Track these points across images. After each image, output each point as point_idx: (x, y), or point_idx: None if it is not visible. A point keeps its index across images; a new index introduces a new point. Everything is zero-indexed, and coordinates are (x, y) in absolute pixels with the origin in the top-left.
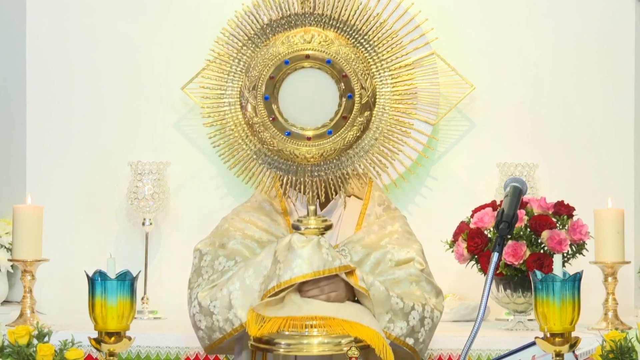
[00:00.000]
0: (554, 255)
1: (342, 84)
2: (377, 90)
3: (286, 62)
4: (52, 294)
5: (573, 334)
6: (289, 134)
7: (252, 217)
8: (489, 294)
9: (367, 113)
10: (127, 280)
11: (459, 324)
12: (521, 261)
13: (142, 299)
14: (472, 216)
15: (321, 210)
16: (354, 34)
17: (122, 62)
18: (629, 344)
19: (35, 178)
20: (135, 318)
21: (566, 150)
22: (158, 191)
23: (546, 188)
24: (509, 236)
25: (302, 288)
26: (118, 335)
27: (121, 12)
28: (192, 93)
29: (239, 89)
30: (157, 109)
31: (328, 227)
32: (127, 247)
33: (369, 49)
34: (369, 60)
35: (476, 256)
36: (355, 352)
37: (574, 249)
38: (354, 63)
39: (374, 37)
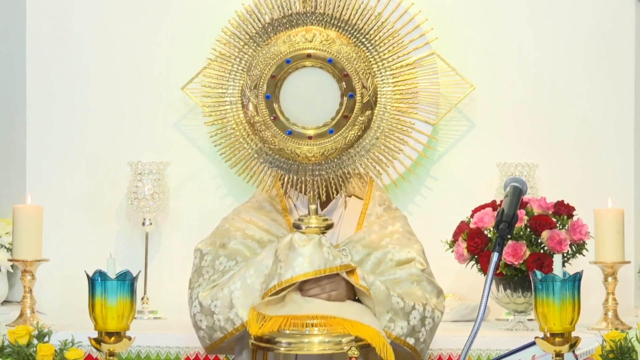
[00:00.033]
0: (554, 255)
1: (344, 83)
2: (379, 89)
3: (287, 61)
4: (52, 294)
5: (573, 334)
6: (290, 133)
7: (253, 217)
8: (489, 294)
9: (368, 112)
10: (127, 280)
11: (459, 324)
12: (521, 261)
13: (142, 299)
14: (472, 216)
15: (322, 210)
16: (355, 33)
17: (122, 62)
18: (629, 344)
19: (35, 178)
20: (135, 318)
21: (566, 150)
22: (158, 191)
23: (546, 188)
24: (509, 236)
25: (303, 287)
26: (118, 335)
27: (121, 12)
28: (192, 93)
29: (240, 88)
30: (157, 109)
31: (329, 226)
32: (127, 247)
33: (370, 48)
34: (370, 59)
35: (476, 256)
36: (355, 352)
37: (574, 249)
38: (355, 62)
39: (375, 36)
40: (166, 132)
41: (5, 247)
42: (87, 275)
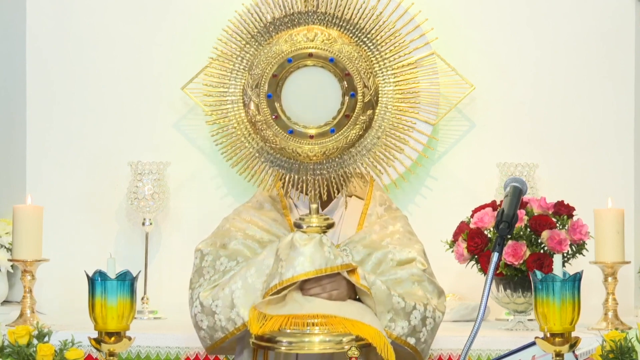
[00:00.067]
0: (554, 255)
1: (345, 83)
2: (380, 89)
3: (289, 60)
4: (52, 294)
5: (573, 334)
6: (292, 132)
7: (254, 217)
8: (489, 294)
9: (369, 112)
10: (127, 280)
11: (459, 324)
12: (521, 261)
13: (142, 299)
14: (472, 216)
15: (322, 210)
16: (357, 33)
17: (122, 62)
18: (629, 344)
19: (35, 178)
20: (135, 318)
21: (566, 150)
22: (158, 191)
23: (546, 188)
24: (509, 236)
25: (303, 286)
26: (118, 335)
27: (121, 12)
28: (192, 93)
29: (241, 87)
30: (157, 109)
31: (330, 226)
32: (127, 247)
33: (371, 47)
34: (372, 58)
35: (476, 256)
36: (355, 352)
37: (574, 249)
38: (356, 61)
39: (377, 35)
40: (166, 132)
41: (5, 247)
42: (87, 275)
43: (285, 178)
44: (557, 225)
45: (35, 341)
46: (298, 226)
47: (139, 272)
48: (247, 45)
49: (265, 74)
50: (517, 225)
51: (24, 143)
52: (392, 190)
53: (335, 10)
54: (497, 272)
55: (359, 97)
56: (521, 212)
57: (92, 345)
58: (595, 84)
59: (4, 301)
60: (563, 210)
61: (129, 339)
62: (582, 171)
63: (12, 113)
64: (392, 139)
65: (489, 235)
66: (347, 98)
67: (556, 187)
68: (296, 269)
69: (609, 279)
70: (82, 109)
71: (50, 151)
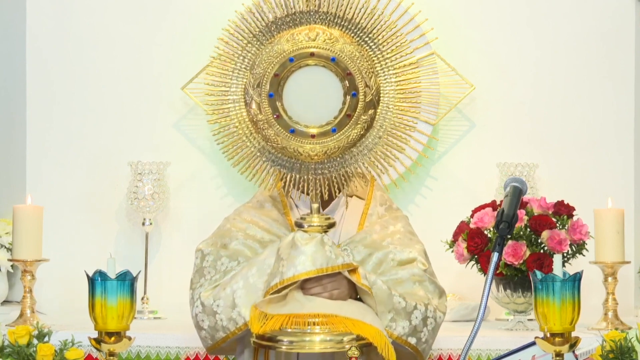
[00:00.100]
0: (554, 255)
1: (347, 82)
2: (381, 88)
3: (291, 60)
4: (52, 294)
5: (573, 334)
6: (293, 131)
7: (254, 217)
8: (489, 294)
9: (371, 111)
10: (127, 280)
11: (459, 324)
12: (521, 261)
13: (142, 299)
14: (472, 216)
15: (323, 210)
16: (358, 32)
17: (122, 62)
18: (629, 344)
19: (35, 178)
20: (135, 318)
21: (566, 150)
22: (158, 191)
23: (546, 188)
24: (509, 236)
25: (304, 285)
26: (118, 335)
27: (121, 12)
28: (192, 93)
29: (243, 87)
30: (157, 109)
31: (331, 225)
32: (127, 247)
33: (373, 47)
34: (373, 58)
35: (476, 256)
36: (356, 352)
37: (574, 249)
38: (358, 61)
39: (378, 35)
40: (166, 132)
41: (5, 247)
42: (87, 275)
43: (286, 177)
44: (557, 225)
45: (35, 341)
46: (299, 225)
47: (139, 272)
48: (249, 45)
49: (267, 73)
50: (517, 225)
51: (24, 143)
52: (392, 190)
53: (336, 10)
54: (497, 272)
55: (361, 97)
56: (521, 212)
57: (92, 345)
58: (595, 84)
59: (4, 301)
60: (563, 210)
61: (129, 339)
62: (582, 171)
63: (12, 113)
64: (393, 138)
65: (489, 235)
66: (348, 97)
67: (556, 187)
68: (297, 268)
69: (609, 279)
70: (82, 109)
71: (50, 151)
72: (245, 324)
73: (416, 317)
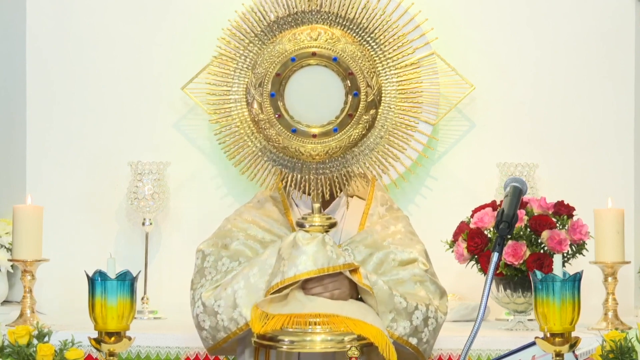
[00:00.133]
0: (554, 255)
1: (348, 82)
2: (383, 88)
3: (292, 60)
4: (52, 294)
5: (573, 334)
6: (295, 131)
7: (255, 217)
8: (489, 294)
9: (372, 111)
10: (127, 280)
11: (459, 324)
12: (521, 261)
13: (142, 299)
14: (472, 216)
15: (324, 210)
16: (360, 32)
17: (122, 62)
18: (629, 344)
19: (35, 178)
20: (135, 318)
21: (566, 150)
22: (158, 191)
23: (546, 188)
24: (509, 236)
25: (305, 285)
26: (118, 335)
27: (121, 12)
28: (192, 93)
29: (245, 86)
30: (157, 109)
31: (332, 225)
32: (127, 247)
33: (375, 47)
34: (375, 58)
35: (476, 256)
36: (355, 352)
37: (574, 249)
38: (360, 61)
39: (380, 35)
40: (166, 132)
41: (5, 247)
42: (87, 275)
43: (287, 177)
44: (557, 225)
45: (35, 341)
46: (300, 225)
47: (139, 272)
48: (251, 44)
49: (269, 73)
50: (517, 225)
51: (24, 143)
52: (392, 190)
53: (338, 10)
54: (497, 272)
55: (362, 97)
56: (521, 212)
57: (92, 345)
58: (595, 84)
59: (4, 301)
60: (563, 210)
61: (129, 339)
62: (582, 171)
63: (12, 113)
64: (394, 138)
65: (489, 235)
66: (350, 97)
67: (556, 187)
68: (298, 267)
69: (609, 279)
70: (82, 109)
71: (50, 151)
72: (247, 324)
73: (417, 318)
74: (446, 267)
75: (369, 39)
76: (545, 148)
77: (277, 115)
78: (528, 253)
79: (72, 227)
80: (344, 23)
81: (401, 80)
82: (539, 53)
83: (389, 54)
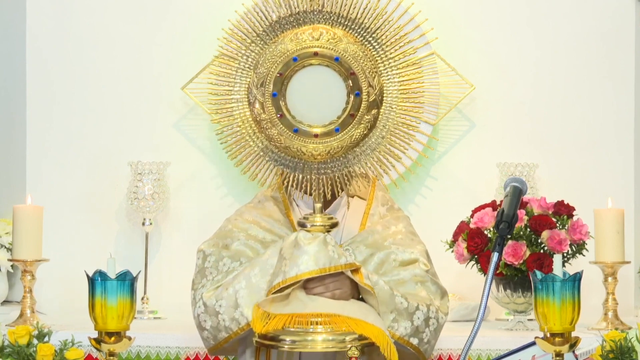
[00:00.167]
0: (554, 255)
1: (350, 82)
2: (385, 88)
3: (294, 59)
4: (52, 294)
5: (573, 334)
6: (297, 131)
7: (256, 218)
8: (489, 294)
9: (374, 111)
10: (127, 280)
11: (459, 324)
12: (521, 261)
13: (142, 299)
14: (472, 216)
15: (325, 210)
16: (362, 32)
17: (122, 62)
18: (629, 344)
19: (35, 178)
20: (135, 318)
21: (566, 150)
22: (158, 191)
23: (546, 188)
24: (509, 236)
25: (307, 285)
26: (118, 335)
27: (121, 12)
28: (192, 93)
29: (246, 86)
30: (157, 109)
31: (334, 225)
32: (127, 247)
33: (376, 47)
34: (377, 58)
35: (476, 256)
36: (355, 352)
37: (574, 249)
38: (361, 61)
39: (382, 35)
40: (166, 132)
41: (5, 247)
42: (87, 275)
43: (289, 177)
44: (557, 225)
45: (35, 341)
46: (302, 225)
47: (139, 272)
48: (253, 44)
49: (271, 73)
50: (517, 225)
51: (24, 143)
52: (392, 190)
53: (340, 10)
54: (497, 272)
55: (364, 97)
56: (521, 212)
57: (92, 345)
58: (595, 84)
59: (4, 301)
60: (563, 210)
61: (129, 339)
62: (582, 171)
63: (12, 113)
64: (396, 138)
65: (489, 235)
66: (352, 97)
67: (556, 187)
68: (300, 267)
69: (609, 279)
70: (82, 109)
71: (50, 151)
72: (248, 324)
73: (418, 318)
74: (446, 267)
75: (370, 39)
76: (545, 148)
77: (279, 115)
78: (528, 253)
79: (72, 227)
80: (346, 23)
81: (403, 80)
82: (539, 53)
83: (391, 54)
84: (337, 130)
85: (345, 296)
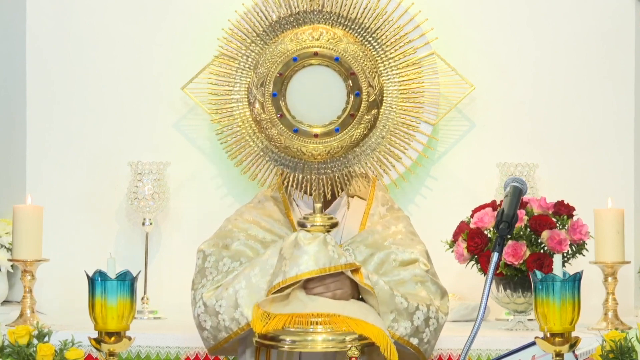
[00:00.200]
0: (554, 255)
1: (350, 82)
2: (385, 88)
3: (294, 59)
4: (52, 294)
5: (573, 334)
6: (297, 131)
7: (256, 218)
8: (489, 294)
9: (374, 111)
10: (127, 280)
11: (459, 324)
12: (521, 261)
13: (142, 299)
14: (472, 216)
15: (325, 210)
16: (362, 32)
17: (122, 62)
18: (629, 344)
19: (35, 178)
20: (135, 318)
21: (566, 150)
22: (158, 191)
23: (546, 188)
24: (509, 236)
25: (307, 285)
26: (118, 335)
27: (121, 12)
28: (192, 93)
29: (247, 86)
30: (157, 109)
31: (334, 225)
32: (127, 247)
33: (376, 47)
34: (377, 58)
35: (476, 256)
36: (355, 352)
37: (574, 249)
38: (361, 61)
39: (382, 35)
40: (166, 132)
41: (5, 247)
42: (87, 275)
43: (289, 177)
44: (557, 225)
45: (35, 341)
46: (302, 225)
47: (139, 272)
48: (253, 44)
49: (271, 73)
50: (517, 225)
51: (24, 143)
52: (392, 190)
53: (340, 10)
54: (497, 272)
55: (364, 97)
56: (521, 212)
57: (92, 345)
58: (595, 84)
59: (4, 301)
60: (563, 210)
61: (129, 339)
62: (582, 171)
63: (12, 113)
64: (396, 138)
65: (489, 235)
66: (352, 97)
67: (556, 187)
68: (300, 267)
69: (609, 279)
70: (82, 109)
71: (50, 151)
72: (248, 324)
73: (418, 318)
74: (446, 267)
75: (370, 39)
76: (545, 148)
77: (279, 115)
78: (528, 253)
79: (72, 227)
80: (346, 23)
81: (403, 80)
82: (539, 53)
83: (391, 54)
84: (337, 130)
85: (345, 296)
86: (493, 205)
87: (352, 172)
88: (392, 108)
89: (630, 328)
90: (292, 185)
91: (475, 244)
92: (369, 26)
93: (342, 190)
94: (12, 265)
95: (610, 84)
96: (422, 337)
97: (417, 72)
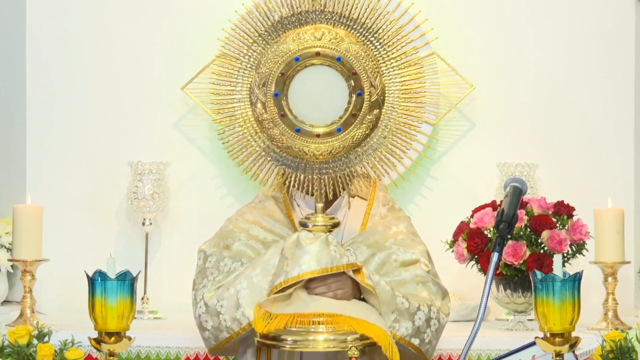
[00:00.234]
0: (554, 255)
1: (352, 82)
2: (386, 88)
3: (296, 59)
4: (52, 294)
5: (573, 334)
6: (299, 130)
7: (257, 218)
8: (489, 294)
9: (376, 111)
10: (127, 280)
11: (459, 324)
12: (521, 261)
13: (142, 299)
14: (472, 216)
15: (326, 210)
16: (363, 32)
17: (122, 62)
18: (629, 344)
19: (35, 178)
20: (135, 318)
21: (566, 150)
22: (158, 191)
23: (546, 188)
24: (509, 236)
25: (309, 285)
26: (118, 335)
27: (121, 12)
28: (192, 93)
29: (248, 86)
30: (157, 109)
31: (335, 225)
32: (127, 247)
33: (378, 47)
34: (379, 58)
35: (476, 256)
36: (355, 352)
37: (574, 249)
38: (363, 61)
39: (384, 35)
40: (166, 132)
41: (5, 247)
42: (87, 275)
43: (291, 177)
44: (557, 225)
45: (35, 341)
46: (304, 225)
47: (139, 272)
48: (255, 44)
49: (273, 73)
50: (517, 225)
51: (24, 143)
52: (392, 190)
53: (342, 10)
54: (497, 272)
55: (366, 96)
56: (521, 212)
57: (92, 345)
58: (595, 84)
59: (4, 301)
60: (563, 210)
61: (129, 339)
62: (582, 171)
63: (12, 113)
64: (398, 138)
65: (489, 235)
66: (354, 97)
67: (556, 187)
68: (302, 267)
69: (609, 279)
70: (82, 109)
71: (50, 151)
72: (250, 324)
73: (419, 318)
74: (446, 267)
75: (372, 39)
76: (545, 148)
77: (280, 115)
78: (528, 253)
79: (72, 227)
80: (348, 23)
81: (404, 80)
82: (539, 53)
83: (393, 53)
84: (339, 130)
85: (347, 296)
86: (493, 205)
87: (354, 172)
88: (393, 108)
89: (630, 328)
90: (293, 186)
91: (475, 244)
92: (371, 26)
93: (344, 190)
94: (12, 265)
95: (610, 84)
96: (424, 337)
97: (418, 72)
